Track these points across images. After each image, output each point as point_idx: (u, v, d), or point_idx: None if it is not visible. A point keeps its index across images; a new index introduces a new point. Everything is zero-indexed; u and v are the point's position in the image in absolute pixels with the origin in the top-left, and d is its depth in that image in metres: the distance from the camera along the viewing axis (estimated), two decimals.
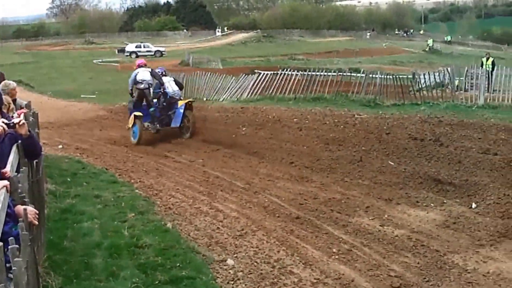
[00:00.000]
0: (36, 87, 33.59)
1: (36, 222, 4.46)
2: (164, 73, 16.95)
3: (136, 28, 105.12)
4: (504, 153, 12.99)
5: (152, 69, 16.78)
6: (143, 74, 16.27)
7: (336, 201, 9.85)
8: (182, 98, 16.83)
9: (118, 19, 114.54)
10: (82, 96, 30.45)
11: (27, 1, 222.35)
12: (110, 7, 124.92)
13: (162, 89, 16.19)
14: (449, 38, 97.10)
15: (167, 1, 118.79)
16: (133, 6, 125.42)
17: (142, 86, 16.17)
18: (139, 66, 16.67)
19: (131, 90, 16.58)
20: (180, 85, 17.14)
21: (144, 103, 16.37)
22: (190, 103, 16.58)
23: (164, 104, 16.22)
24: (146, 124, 16.13)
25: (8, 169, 4.68)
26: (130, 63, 55.11)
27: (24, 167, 5.26)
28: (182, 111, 16.03)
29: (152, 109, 16.14)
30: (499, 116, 18.80)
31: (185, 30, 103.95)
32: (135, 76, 16.29)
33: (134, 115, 15.71)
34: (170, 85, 16.37)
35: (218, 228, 8.53)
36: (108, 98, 28.32)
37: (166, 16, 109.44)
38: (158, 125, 16.23)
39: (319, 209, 9.43)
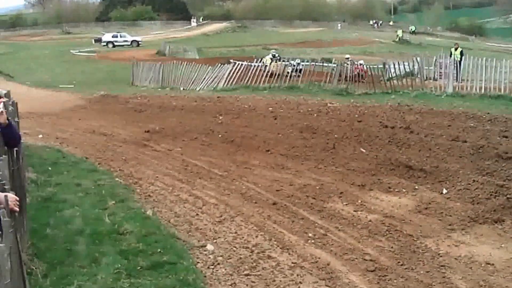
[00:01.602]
0: (15, 78, 33.21)
1: (17, 209, 4.51)
2: None
3: (112, 18, 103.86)
4: (473, 140, 13.23)
5: None
6: None
7: (311, 187, 10.00)
8: None
9: (94, 9, 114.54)
10: (60, 86, 30.05)
11: None
12: None
13: None
14: (413, 28, 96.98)
15: None
16: None
17: None
18: None
19: None
20: None
21: None
22: None
23: None
24: None
25: None
26: (107, 53, 55.05)
27: (4, 156, 5.32)
28: None
29: None
30: (467, 105, 19.22)
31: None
32: None
33: None
34: None
35: (197, 214, 8.67)
36: (86, 88, 28.11)
37: (142, 6, 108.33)
38: None
39: (295, 195, 9.60)
